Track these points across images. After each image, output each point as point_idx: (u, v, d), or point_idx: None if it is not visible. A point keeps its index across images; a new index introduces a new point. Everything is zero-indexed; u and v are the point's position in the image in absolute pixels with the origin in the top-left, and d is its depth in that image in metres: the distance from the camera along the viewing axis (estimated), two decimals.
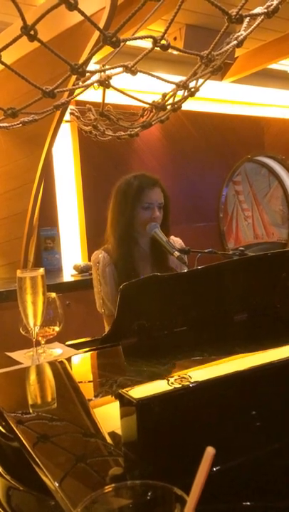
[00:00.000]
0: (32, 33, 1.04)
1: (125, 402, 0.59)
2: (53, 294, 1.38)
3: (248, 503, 0.56)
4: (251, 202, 4.89)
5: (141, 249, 1.92)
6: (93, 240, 3.61)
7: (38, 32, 1.04)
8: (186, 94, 1.65)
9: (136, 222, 1.85)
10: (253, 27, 1.27)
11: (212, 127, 4.44)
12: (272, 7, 1.19)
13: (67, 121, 3.53)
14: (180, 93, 1.69)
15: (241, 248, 2.02)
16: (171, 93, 1.74)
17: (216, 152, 4.46)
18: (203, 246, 1.93)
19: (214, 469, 0.54)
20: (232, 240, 4.71)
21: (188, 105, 2.38)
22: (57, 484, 0.60)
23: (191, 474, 0.39)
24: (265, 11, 1.20)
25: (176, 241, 2.00)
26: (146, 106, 1.95)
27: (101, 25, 2.10)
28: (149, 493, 0.41)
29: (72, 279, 3.31)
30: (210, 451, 0.36)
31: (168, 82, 1.44)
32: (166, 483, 0.41)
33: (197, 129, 4.36)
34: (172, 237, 1.99)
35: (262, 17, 1.21)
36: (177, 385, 0.61)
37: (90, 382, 1.08)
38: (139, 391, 0.59)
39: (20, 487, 0.67)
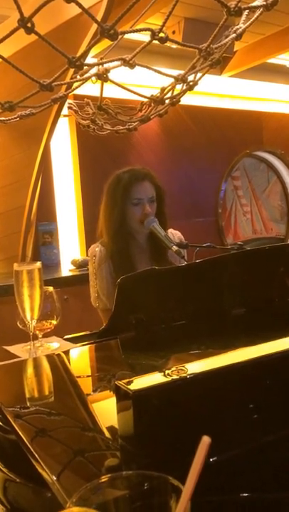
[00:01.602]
0: (29, 25, 1.03)
1: (122, 394, 0.59)
2: (50, 288, 1.38)
3: (245, 495, 0.56)
4: (250, 197, 4.89)
5: (138, 243, 1.91)
6: (91, 234, 3.59)
7: (36, 25, 1.04)
8: (184, 88, 1.64)
9: (128, 218, 1.84)
10: (252, 20, 1.26)
11: (211, 122, 4.43)
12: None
13: (65, 116, 3.52)
14: (179, 87, 1.68)
15: (240, 243, 2.03)
16: (170, 87, 1.73)
17: (214, 147, 4.45)
18: (202, 241, 1.92)
19: (211, 460, 0.54)
20: (230, 236, 4.71)
21: (187, 99, 2.38)
22: (54, 477, 0.60)
23: (187, 465, 0.39)
24: (264, 3, 1.19)
25: (175, 234, 1.99)
26: (145, 100, 1.94)
27: (99, 17, 2.09)
28: (145, 484, 0.41)
29: (70, 273, 3.31)
30: (205, 440, 0.37)
31: (166, 75, 1.43)
32: (163, 474, 0.41)
33: (196, 124, 4.35)
34: (171, 230, 1.98)
35: (261, 9, 1.21)
36: (174, 377, 0.61)
37: (87, 375, 1.08)
38: (136, 383, 0.59)
39: (17, 479, 0.68)
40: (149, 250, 1.92)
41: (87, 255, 3.52)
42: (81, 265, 3.33)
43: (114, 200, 1.84)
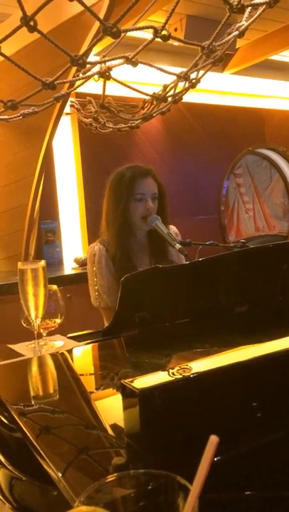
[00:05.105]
0: (32, 23, 1.03)
1: (128, 393, 0.59)
2: (54, 286, 1.39)
3: (251, 493, 0.56)
4: (252, 194, 4.88)
5: (138, 241, 1.91)
6: (94, 233, 3.61)
7: (38, 23, 1.04)
8: (187, 85, 1.64)
9: (130, 214, 1.84)
10: (254, 17, 1.25)
11: (213, 119, 4.42)
12: None
13: (67, 114, 3.52)
14: (181, 85, 1.68)
15: (243, 240, 2.02)
16: (172, 85, 1.73)
17: (216, 144, 4.44)
18: (204, 239, 1.92)
19: (216, 459, 0.54)
20: (233, 233, 4.71)
21: (190, 97, 2.37)
22: (60, 474, 0.60)
23: (193, 464, 0.39)
24: (267, 0, 1.19)
25: (171, 228, 1.99)
26: (147, 98, 1.94)
27: (101, 15, 2.08)
28: (152, 482, 0.41)
29: (73, 272, 3.32)
30: (213, 439, 0.37)
31: (169, 73, 1.43)
32: (170, 472, 0.41)
33: (198, 121, 4.34)
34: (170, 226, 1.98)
35: (264, 6, 1.20)
36: (179, 376, 0.61)
37: (91, 374, 1.08)
38: (142, 381, 0.60)
39: (23, 477, 0.68)
40: (148, 248, 1.92)
41: None
42: (84, 263, 3.33)
43: (118, 195, 1.84)
